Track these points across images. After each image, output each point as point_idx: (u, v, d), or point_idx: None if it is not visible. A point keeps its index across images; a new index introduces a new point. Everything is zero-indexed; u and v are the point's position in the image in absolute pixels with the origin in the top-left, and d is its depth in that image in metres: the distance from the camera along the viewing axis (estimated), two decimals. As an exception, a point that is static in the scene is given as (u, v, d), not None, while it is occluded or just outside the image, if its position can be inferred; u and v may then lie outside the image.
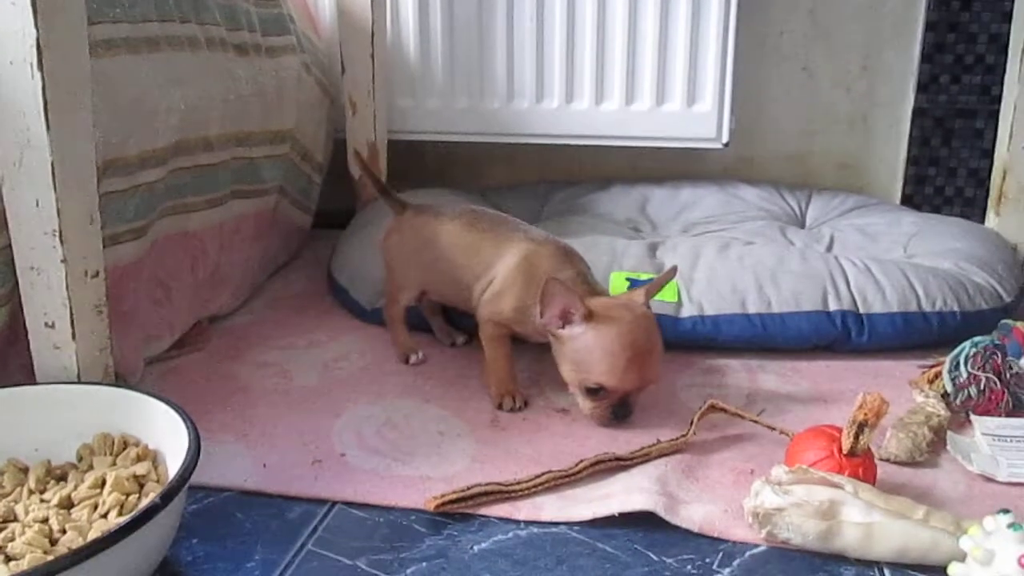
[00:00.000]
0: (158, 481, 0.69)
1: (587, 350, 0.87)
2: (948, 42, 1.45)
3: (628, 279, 1.08)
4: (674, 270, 0.95)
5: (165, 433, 0.71)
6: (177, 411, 0.70)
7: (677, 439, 0.83)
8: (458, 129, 1.48)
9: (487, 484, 0.76)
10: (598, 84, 1.41)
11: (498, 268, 0.98)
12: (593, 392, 0.88)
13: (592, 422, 0.90)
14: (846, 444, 0.72)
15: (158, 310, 1.02)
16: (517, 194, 1.54)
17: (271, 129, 1.19)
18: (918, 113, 1.49)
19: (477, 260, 1.00)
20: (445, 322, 1.13)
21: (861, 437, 0.72)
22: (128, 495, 0.67)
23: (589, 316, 0.87)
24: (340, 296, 1.24)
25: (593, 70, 1.41)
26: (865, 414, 0.71)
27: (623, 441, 0.85)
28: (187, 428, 0.67)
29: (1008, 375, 0.91)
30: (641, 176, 1.54)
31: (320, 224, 1.49)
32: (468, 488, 0.75)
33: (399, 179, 1.53)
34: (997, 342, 0.94)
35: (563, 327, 0.88)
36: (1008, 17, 1.32)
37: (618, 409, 0.88)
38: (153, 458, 0.71)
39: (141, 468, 0.69)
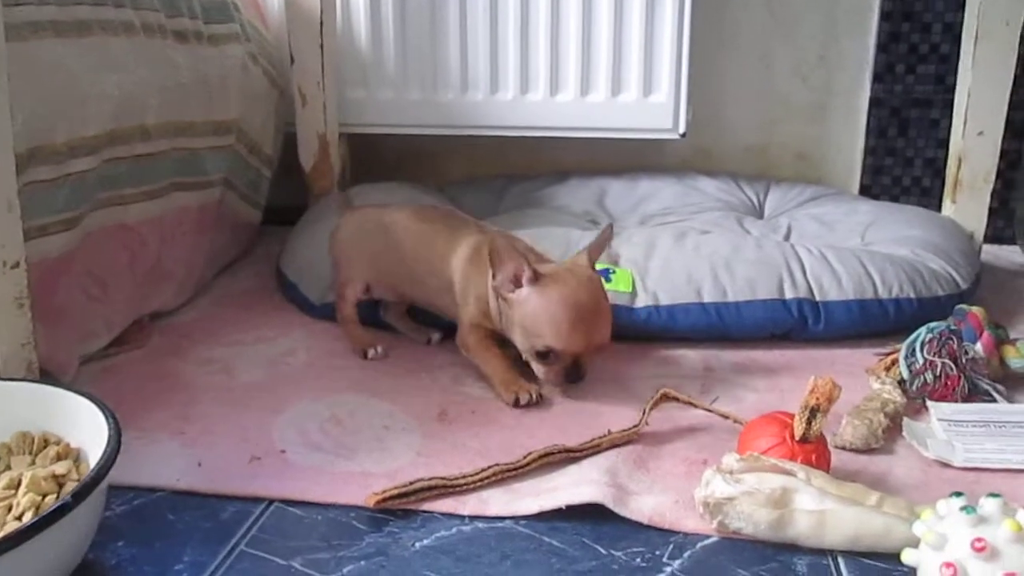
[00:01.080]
0: (79, 481, 0.65)
1: (533, 314, 0.88)
2: (903, 32, 1.45)
3: (582, 269, 1.06)
4: (610, 228, 0.97)
5: (88, 431, 0.67)
6: (99, 407, 0.66)
7: (628, 430, 0.81)
8: (412, 121, 1.45)
9: (430, 479, 0.73)
10: (553, 75, 1.39)
11: (454, 265, 0.98)
12: (543, 356, 0.89)
13: (549, 386, 0.91)
14: (798, 430, 0.70)
15: (94, 306, 0.98)
16: (475, 188, 1.51)
17: (214, 119, 1.15)
18: (875, 103, 1.49)
19: (431, 253, 1.00)
20: (413, 321, 1.09)
21: (813, 422, 0.70)
22: (45, 495, 0.63)
23: (535, 279, 0.88)
24: (289, 292, 1.20)
25: (548, 61, 1.38)
26: (817, 398, 0.69)
27: (574, 433, 0.83)
28: (108, 424, 0.64)
29: (963, 360, 0.90)
30: (599, 168, 1.52)
31: (272, 220, 1.45)
32: (411, 483, 0.72)
33: (355, 174, 1.50)
34: (952, 327, 0.93)
35: (514, 291, 0.89)
36: (962, 5, 1.31)
37: (571, 371, 0.89)
38: (75, 457, 0.68)
39: (61, 467, 0.65)
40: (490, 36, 1.39)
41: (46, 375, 0.90)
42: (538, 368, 0.90)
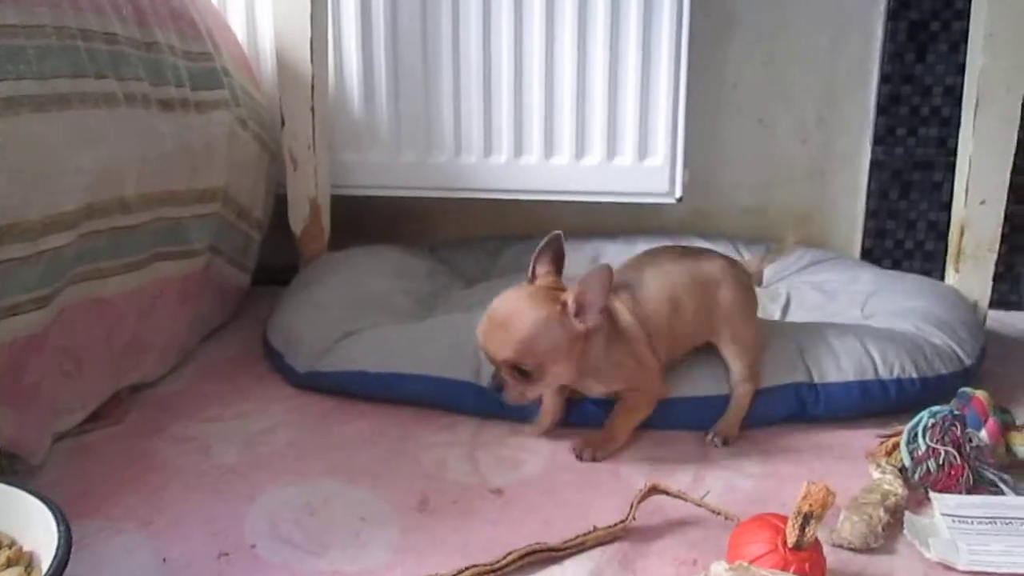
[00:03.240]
0: (28, 590, 0.62)
1: None
2: (904, 94, 1.43)
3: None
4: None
5: (42, 533, 0.64)
6: (51, 509, 0.63)
7: (615, 525, 0.77)
8: (405, 184, 1.43)
9: (404, 582, 0.69)
10: (547, 138, 1.37)
11: None
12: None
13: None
14: (791, 537, 0.66)
15: (68, 382, 0.95)
16: (468, 250, 1.49)
17: (199, 187, 1.13)
18: (876, 166, 1.47)
19: None
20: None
21: (807, 529, 0.66)
22: (-8, 608, 0.60)
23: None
24: (275, 361, 1.17)
25: (542, 124, 1.37)
26: (810, 505, 0.66)
27: (558, 527, 0.79)
28: (59, 531, 0.60)
29: (968, 448, 0.86)
30: (597, 230, 1.49)
31: (263, 280, 1.43)
32: (382, 588, 0.69)
33: (346, 236, 1.48)
34: (956, 412, 0.89)
35: None
36: (962, 69, 1.29)
37: (492, 378, 0.90)
38: (28, 562, 0.64)
39: (11, 574, 0.62)
40: (483, 99, 1.38)
41: (14, 458, 0.87)
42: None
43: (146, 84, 1.04)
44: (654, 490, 0.80)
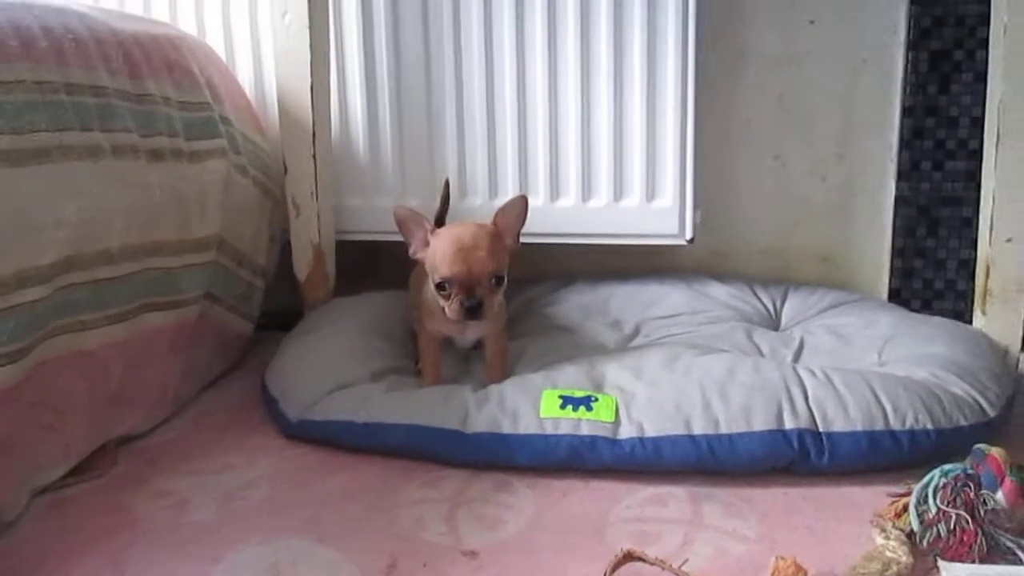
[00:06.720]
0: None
1: (431, 255, 1.07)
2: (928, 127, 1.37)
3: (561, 396, 0.98)
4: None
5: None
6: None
7: (585, 595, 0.72)
8: (411, 228, 1.40)
9: (351, 656, 0.66)
10: (552, 180, 1.34)
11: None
12: (442, 288, 1.06)
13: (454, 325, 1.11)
14: (762, 615, 0.61)
15: (49, 435, 0.94)
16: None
17: (192, 237, 1.12)
18: (900, 202, 1.40)
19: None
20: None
21: (779, 606, 0.60)
22: None
23: (434, 232, 1.09)
24: (270, 408, 1.15)
25: (547, 166, 1.34)
26: (779, 581, 0.60)
27: (528, 595, 0.74)
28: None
29: (982, 511, 0.79)
30: (611, 270, 1.45)
31: (274, 326, 1.41)
32: (327, 662, 0.65)
33: (353, 280, 1.46)
34: (970, 471, 0.82)
35: (425, 250, 1.09)
36: (988, 100, 1.23)
37: (465, 300, 1.04)
38: (-41, 630, 0.62)
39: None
40: (488, 141, 1.36)
41: (-11, 513, 0.86)
42: (445, 305, 1.06)
43: (134, 135, 1.04)
44: (629, 557, 0.75)
